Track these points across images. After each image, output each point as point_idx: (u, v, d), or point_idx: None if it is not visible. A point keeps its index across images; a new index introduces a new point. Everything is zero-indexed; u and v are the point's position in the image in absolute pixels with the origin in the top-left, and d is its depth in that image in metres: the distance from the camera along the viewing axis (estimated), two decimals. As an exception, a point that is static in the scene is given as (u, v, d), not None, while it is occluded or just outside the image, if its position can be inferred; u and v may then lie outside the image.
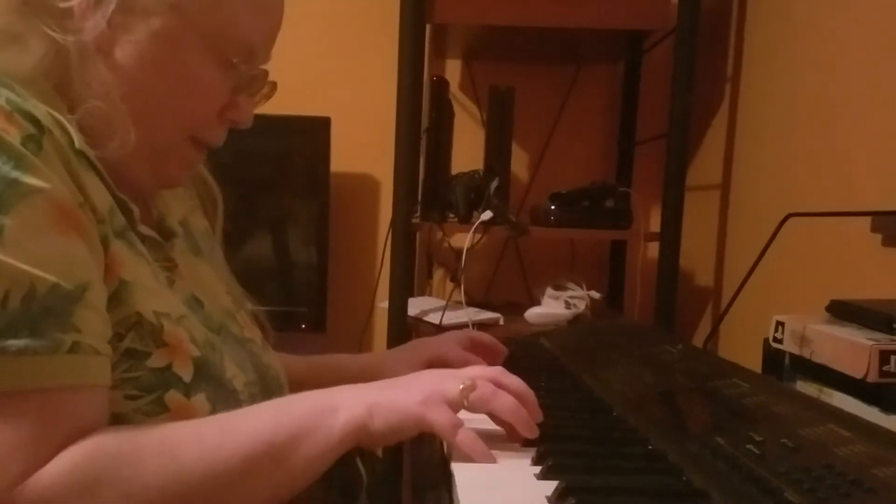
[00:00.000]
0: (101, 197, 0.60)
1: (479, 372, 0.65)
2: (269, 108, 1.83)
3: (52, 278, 0.52)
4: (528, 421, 0.63)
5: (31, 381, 0.51)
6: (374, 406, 0.60)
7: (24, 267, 0.51)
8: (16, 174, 0.52)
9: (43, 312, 0.52)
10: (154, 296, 0.61)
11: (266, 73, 0.72)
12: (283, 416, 0.60)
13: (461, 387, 0.62)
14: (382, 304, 1.59)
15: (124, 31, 0.62)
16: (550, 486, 0.53)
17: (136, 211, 0.64)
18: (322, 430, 0.59)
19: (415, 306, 1.55)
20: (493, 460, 0.60)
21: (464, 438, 0.60)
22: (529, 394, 0.65)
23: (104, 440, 0.54)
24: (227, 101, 0.69)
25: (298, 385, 0.66)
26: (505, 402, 0.63)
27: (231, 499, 0.57)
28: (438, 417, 0.60)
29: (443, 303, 1.53)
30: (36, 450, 0.51)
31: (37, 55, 0.59)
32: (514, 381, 0.65)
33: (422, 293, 1.88)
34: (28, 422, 0.51)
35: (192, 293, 0.69)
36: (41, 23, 0.60)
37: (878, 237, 1.02)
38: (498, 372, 0.66)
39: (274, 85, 0.75)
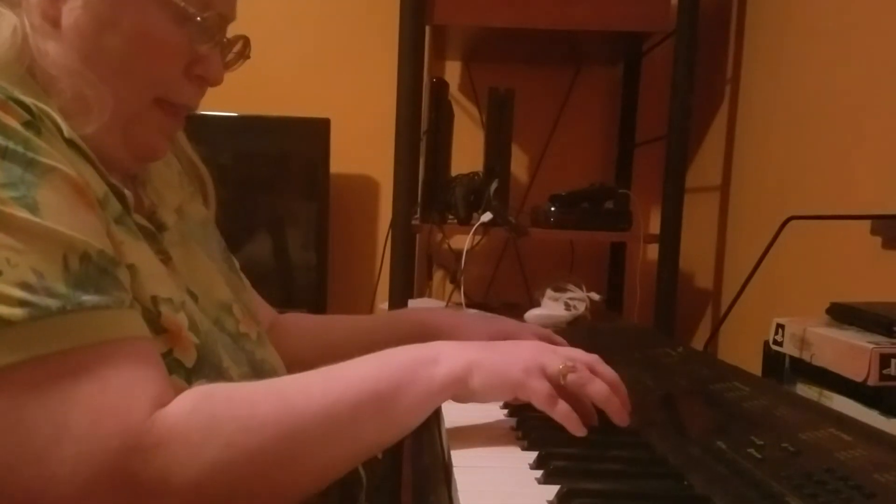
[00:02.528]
0: (96, 184, 0.60)
1: (579, 355, 0.68)
2: (269, 109, 1.83)
3: (96, 244, 0.54)
4: (619, 409, 0.66)
5: (119, 330, 0.53)
6: (474, 363, 0.63)
7: (70, 233, 0.52)
8: (31, 154, 0.53)
9: (100, 273, 0.53)
10: (156, 281, 0.61)
11: (224, 18, 0.69)
12: (387, 366, 0.62)
13: (561, 366, 0.64)
14: (382, 306, 1.59)
15: None
16: (552, 490, 0.53)
17: (130, 196, 0.63)
18: (423, 380, 0.61)
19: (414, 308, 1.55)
20: (584, 432, 0.63)
21: (561, 410, 0.63)
22: (621, 385, 0.68)
23: (217, 387, 0.57)
24: (192, 56, 0.67)
25: (380, 341, 0.67)
26: (600, 390, 0.65)
27: (339, 444, 0.58)
28: (538, 388, 0.63)
29: (442, 304, 1.54)
30: (155, 386, 0.54)
31: (5, 36, 0.59)
32: (609, 371, 0.68)
33: (421, 294, 1.88)
34: (135, 363, 0.53)
35: (187, 286, 0.69)
36: None
37: (878, 240, 1.02)
38: (595, 359, 0.68)
39: (246, 40, 0.73)
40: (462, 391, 0.63)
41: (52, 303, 0.50)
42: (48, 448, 0.49)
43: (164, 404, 0.53)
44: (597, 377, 0.66)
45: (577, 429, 0.63)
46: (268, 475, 0.55)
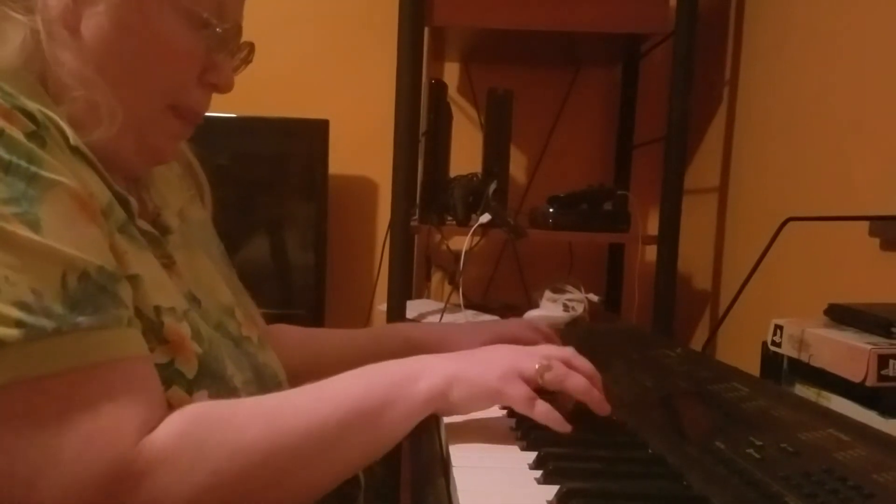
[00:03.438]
0: (100, 192, 0.59)
1: (553, 352, 0.69)
2: (268, 110, 1.83)
3: (96, 261, 0.54)
4: (600, 400, 0.67)
5: (114, 351, 0.53)
6: (453, 377, 0.64)
7: (71, 251, 0.52)
8: (34, 169, 0.52)
9: (98, 291, 0.53)
10: (159, 290, 0.61)
11: (239, 27, 0.70)
12: (371, 384, 0.63)
13: (537, 366, 0.65)
14: (381, 307, 1.59)
15: (88, 3, 0.61)
16: (551, 490, 0.53)
17: (135, 204, 0.63)
18: (406, 397, 0.62)
19: (413, 309, 1.55)
20: (568, 429, 0.64)
21: (541, 410, 0.64)
22: (597, 375, 0.69)
23: (205, 408, 0.57)
24: (206, 63, 0.67)
25: (367, 356, 0.68)
26: (579, 383, 0.67)
27: (325, 463, 0.59)
28: (515, 393, 0.64)
29: (441, 305, 1.54)
30: (145, 410, 0.54)
31: (16, 43, 0.59)
32: (584, 363, 0.69)
33: (420, 296, 1.88)
34: (127, 387, 0.53)
35: (190, 290, 0.69)
36: (7, 8, 0.59)
37: (877, 241, 1.02)
38: (570, 353, 0.70)
39: (252, 47, 0.73)
40: (444, 405, 0.64)
41: (48, 323, 0.49)
42: (37, 473, 0.49)
43: (153, 428, 0.53)
44: (574, 371, 0.67)
45: (559, 426, 0.64)
46: (255, 497, 0.55)
